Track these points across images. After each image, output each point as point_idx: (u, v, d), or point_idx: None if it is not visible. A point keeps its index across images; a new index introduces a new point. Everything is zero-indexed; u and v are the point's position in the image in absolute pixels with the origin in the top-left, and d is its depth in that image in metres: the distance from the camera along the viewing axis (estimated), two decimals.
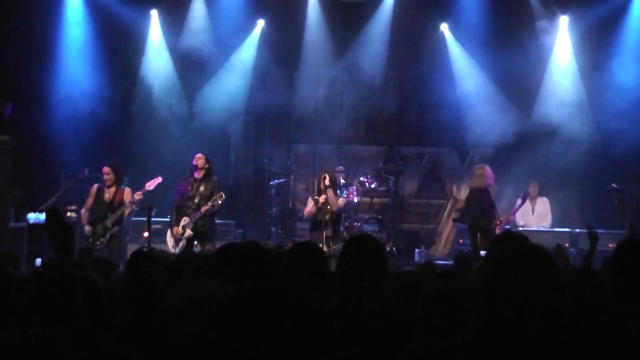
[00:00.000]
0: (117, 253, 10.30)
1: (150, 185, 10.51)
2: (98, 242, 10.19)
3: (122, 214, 10.34)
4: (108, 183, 10.37)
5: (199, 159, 10.33)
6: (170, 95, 14.07)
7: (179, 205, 10.37)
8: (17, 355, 2.63)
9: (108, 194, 10.38)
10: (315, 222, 10.28)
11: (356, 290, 3.70)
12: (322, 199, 10.17)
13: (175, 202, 10.43)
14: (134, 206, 10.41)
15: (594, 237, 6.75)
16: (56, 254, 7.35)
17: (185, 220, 10.23)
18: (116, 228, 10.32)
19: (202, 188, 10.27)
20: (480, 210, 10.45)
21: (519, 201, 11.46)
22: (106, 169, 10.40)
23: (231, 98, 14.41)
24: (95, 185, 10.54)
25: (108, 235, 10.25)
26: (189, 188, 10.34)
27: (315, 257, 4.12)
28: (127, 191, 10.44)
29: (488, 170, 10.75)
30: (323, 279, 4.08)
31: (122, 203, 10.30)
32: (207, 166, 10.35)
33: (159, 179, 10.56)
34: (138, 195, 10.34)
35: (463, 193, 14.87)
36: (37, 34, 13.04)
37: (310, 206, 10.38)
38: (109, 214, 10.28)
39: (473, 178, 10.80)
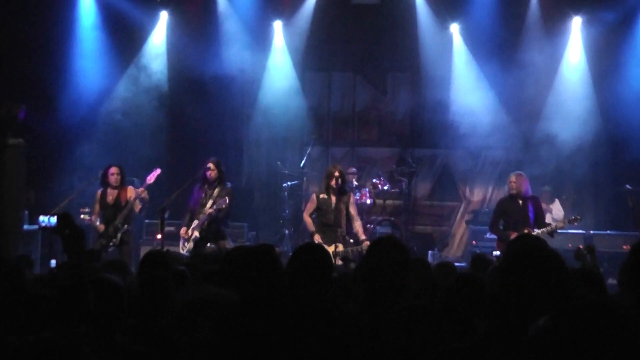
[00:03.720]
0: (129, 258, 10.29)
1: (151, 178, 10.47)
2: (111, 243, 10.22)
3: (130, 212, 10.34)
4: (115, 184, 10.36)
5: (211, 170, 10.30)
6: (182, 98, 14.10)
7: (192, 209, 10.40)
8: (32, 357, 2.64)
9: (111, 196, 10.38)
10: (323, 224, 10.09)
11: (380, 292, 3.69)
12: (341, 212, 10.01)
13: (189, 206, 10.46)
14: (138, 202, 10.36)
15: (591, 250, 6.71)
16: (69, 257, 7.38)
17: (195, 223, 10.27)
18: (126, 227, 10.30)
19: (215, 193, 10.28)
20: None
21: None
22: (115, 169, 10.39)
23: (243, 100, 14.46)
24: (99, 191, 10.54)
25: (119, 235, 10.23)
26: (203, 194, 10.37)
27: (320, 258, 4.09)
28: (131, 189, 10.47)
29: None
30: (328, 281, 4.06)
31: (127, 202, 10.33)
32: (218, 173, 10.34)
33: (158, 171, 10.53)
34: (142, 192, 10.34)
35: (476, 195, 14.85)
36: (50, 37, 13.09)
37: (311, 208, 10.15)
38: (117, 214, 10.28)
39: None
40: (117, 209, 10.32)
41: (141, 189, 10.39)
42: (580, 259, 6.38)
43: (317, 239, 9.72)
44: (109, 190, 10.42)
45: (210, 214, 10.13)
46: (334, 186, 9.90)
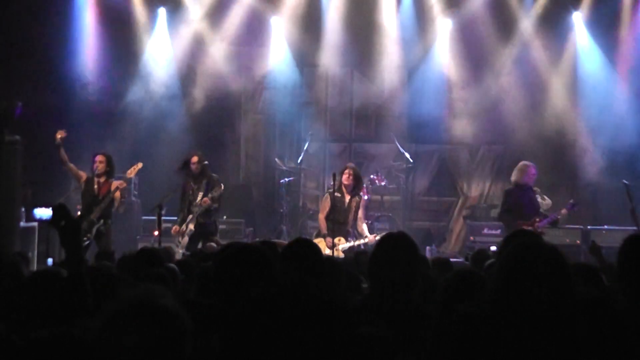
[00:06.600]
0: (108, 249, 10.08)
1: (131, 172, 10.31)
2: (85, 238, 9.79)
3: (108, 206, 10.02)
4: (98, 172, 10.08)
5: (194, 162, 10.33)
6: (181, 95, 14.08)
7: (182, 203, 10.44)
8: (32, 355, 2.62)
9: (97, 185, 10.11)
10: (333, 221, 10.23)
11: (387, 288, 3.67)
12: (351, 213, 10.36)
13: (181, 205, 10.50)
14: (117, 194, 10.02)
15: (597, 250, 6.48)
16: (65, 250, 7.31)
17: (190, 217, 10.27)
18: (101, 222, 9.99)
19: (202, 186, 10.30)
20: (513, 205, 10.32)
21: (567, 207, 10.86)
22: (100, 157, 10.13)
23: (240, 97, 14.45)
24: (87, 175, 10.27)
25: (94, 230, 9.94)
26: (190, 190, 10.39)
27: (311, 254, 4.07)
28: (114, 184, 10.13)
29: (531, 169, 10.50)
30: (321, 274, 4.04)
31: (106, 195, 10.03)
32: (200, 165, 10.34)
33: (139, 165, 10.40)
34: (121, 185, 10.10)
35: (474, 190, 14.84)
36: (47, 35, 13.05)
37: (326, 207, 10.45)
38: (94, 207, 9.98)
39: (515, 172, 10.55)
40: (94, 202, 10.03)
41: (121, 182, 10.15)
42: (595, 254, 6.24)
43: (329, 242, 10.03)
44: (96, 178, 10.17)
45: (205, 202, 10.14)
46: (347, 183, 10.40)
